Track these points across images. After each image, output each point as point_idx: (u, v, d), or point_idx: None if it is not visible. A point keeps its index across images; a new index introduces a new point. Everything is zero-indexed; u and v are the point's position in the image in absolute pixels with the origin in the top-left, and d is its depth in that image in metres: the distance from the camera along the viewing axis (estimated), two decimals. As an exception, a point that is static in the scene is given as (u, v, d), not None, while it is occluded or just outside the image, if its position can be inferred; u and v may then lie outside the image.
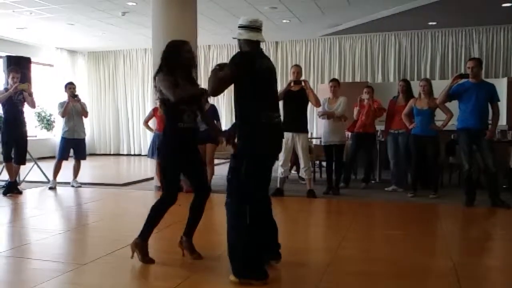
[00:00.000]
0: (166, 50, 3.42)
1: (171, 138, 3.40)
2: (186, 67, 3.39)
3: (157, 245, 4.08)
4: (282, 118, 6.13)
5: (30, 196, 6.64)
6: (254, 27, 3.15)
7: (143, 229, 3.43)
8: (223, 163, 8.17)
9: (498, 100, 5.65)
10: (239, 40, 3.21)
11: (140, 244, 3.39)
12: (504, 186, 6.47)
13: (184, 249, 3.51)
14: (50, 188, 7.03)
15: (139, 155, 13.02)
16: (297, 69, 6.32)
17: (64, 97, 7.24)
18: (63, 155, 7.17)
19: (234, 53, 3.28)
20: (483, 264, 3.65)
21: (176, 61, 3.34)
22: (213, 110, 6.64)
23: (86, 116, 7.46)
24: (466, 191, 5.70)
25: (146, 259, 3.37)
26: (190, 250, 3.49)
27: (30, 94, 6.69)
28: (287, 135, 6.18)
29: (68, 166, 7.34)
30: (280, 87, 10.83)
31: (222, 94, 3.45)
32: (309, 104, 6.33)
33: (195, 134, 3.49)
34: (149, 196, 6.70)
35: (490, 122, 5.69)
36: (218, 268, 3.34)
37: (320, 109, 6.63)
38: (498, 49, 10.08)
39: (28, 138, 6.87)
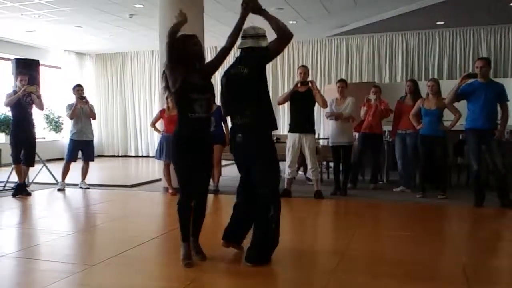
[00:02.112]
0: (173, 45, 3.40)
1: (181, 130, 3.35)
2: (194, 60, 3.36)
3: (165, 246, 4.11)
4: (290, 120, 6.23)
5: (39, 198, 6.69)
6: (242, 36, 3.53)
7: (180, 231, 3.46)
8: (230, 164, 8.18)
9: (507, 100, 5.61)
10: None
11: (182, 245, 3.41)
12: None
13: (191, 249, 3.48)
14: (59, 190, 7.07)
15: (147, 156, 13.07)
16: (304, 69, 6.31)
17: (72, 99, 7.29)
18: (71, 157, 7.22)
19: (238, 55, 3.58)
20: (493, 265, 3.62)
21: (183, 54, 3.31)
22: (220, 111, 6.65)
23: (94, 118, 7.50)
24: (475, 191, 5.66)
25: (184, 262, 3.35)
26: (196, 250, 3.48)
27: (39, 96, 6.75)
28: (294, 136, 6.19)
29: (76, 167, 7.38)
30: (287, 88, 10.86)
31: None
32: (316, 105, 6.32)
33: (209, 125, 3.44)
34: (157, 198, 6.72)
35: (499, 122, 5.64)
36: (226, 269, 3.35)
37: (327, 109, 6.62)
38: (507, 49, 10.01)
39: (37, 140, 6.91)
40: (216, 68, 3.51)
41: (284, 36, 3.53)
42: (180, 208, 3.37)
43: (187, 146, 3.32)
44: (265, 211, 3.36)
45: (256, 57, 3.45)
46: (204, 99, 3.30)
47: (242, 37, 3.49)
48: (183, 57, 3.32)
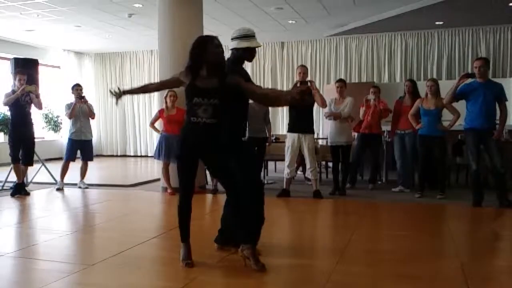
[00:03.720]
0: (193, 46, 3.30)
1: (184, 133, 3.31)
2: (213, 62, 3.24)
3: (164, 246, 4.11)
4: (289, 119, 6.24)
5: (37, 197, 6.68)
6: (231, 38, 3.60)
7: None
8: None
9: (506, 100, 5.61)
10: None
11: (181, 246, 3.38)
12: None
13: (247, 257, 3.27)
14: (58, 189, 7.07)
15: (146, 156, 13.07)
16: (303, 69, 6.30)
17: (71, 98, 7.28)
18: (70, 156, 7.21)
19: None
20: (491, 265, 3.62)
21: (203, 57, 3.22)
22: None
23: (93, 118, 7.49)
24: (474, 191, 5.67)
25: (184, 262, 3.32)
26: (253, 258, 3.24)
27: (37, 96, 6.73)
28: (293, 136, 6.19)
29: (75, 167, 7.38)
30: (286, 88, 10.83)
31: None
32: (315, 105, 6.32)
33: (214, 131, 3.22)
34: (156, 197, 6.72)
35: (497, 122, 5.65)
36: (225, 268, 3.34)
37: (326, 109, 6.62)
38: (506, 49, 10.02)
39: (36, 140, 6.90)
40: (239, 88, 3.28)
41: (264, 101, 3.73)
42: (178, 207, 3.36)
43: (188, 149, 3.28)
44: None
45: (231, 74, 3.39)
46: (209, 104, 3.16)
47: (231, 39, 3.55)
48: (199, 60, 3.22)
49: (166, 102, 6.58)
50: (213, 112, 3.18)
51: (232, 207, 3.45)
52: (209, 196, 6.50)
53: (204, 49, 3.22)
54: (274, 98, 3.39)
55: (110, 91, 3.35)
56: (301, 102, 3.24)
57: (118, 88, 3.37)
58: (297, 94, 3.05)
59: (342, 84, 6.73)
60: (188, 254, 3.36)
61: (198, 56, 3.23)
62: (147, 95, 13.08)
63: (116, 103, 3.41)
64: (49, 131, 12.16)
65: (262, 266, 3.21)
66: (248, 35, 3.52)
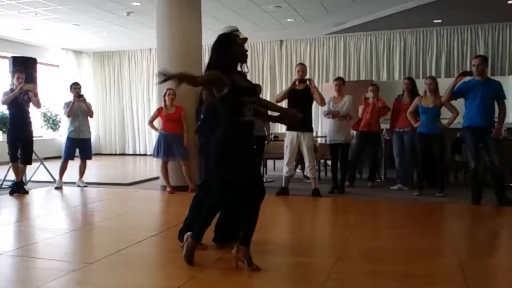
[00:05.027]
0: (219, 43, 3.23)
1: (230, 135, 3.16)
2: (238, 60, 3.23)
3: (163, 245, 4.10)
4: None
5: (36, 196, 6.67)
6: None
7: (196, 228, 3.32)
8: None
9: (504, 98, 5.61)
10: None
11: (190, 241, 3.31)
12: (511, 184, 6.42)
13: (240, 259, 3.20)
14: (56, 188, 7.06)
15: (145, 154, 13.06)
16: (302, 67, 6.31)
17: (70, 97, 7.28)
18: (69, 155, 7.20)
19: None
20: (490, 263, 3.63)
21: (228, 54, 3.18)
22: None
23: (91, 116, 7.48)
24: (472, 189, 5.67)
25: (187, 259, 3.29)
26: (247, 260, 3.19)
27: (36, 95, 6.73)
28: (292, 134, 6.19)
29: (74, 166, 7.37)
30: (285, 86, 10.84)
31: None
32: (314, 103, 6.32)
33: (253, 128, 3.27)
34: (154, 196, 6.72)
35: (496, 120, 5.65)
36: (223, 267, 3.34)
37: (325, 108, 6.62)
38: (504, 47, 10.03)
39: (34, 138, 6.90)
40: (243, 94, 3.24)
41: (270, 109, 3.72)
42: (211, 209, 3.31)
43: (235, 150, 3.15)
44: None
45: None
46: (251, 102, 3.17)
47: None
48: (228, 57, 3.17)
49: (164, 101, 6.58)
50: (254, 110, 3.22)
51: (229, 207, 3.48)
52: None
53: (231, 46, 3.19)
54: (276, 110, 3.61)
55: (160, 73, 2.80)
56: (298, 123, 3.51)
57: (160, 72, 2.84)
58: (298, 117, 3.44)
59: (340, 82, 6.71)
60: (192, 252, 3.32)
61: (227, 54, 3.17)
62: (145, 93, 13.08)
63: (176, 86, 2.93)
64: (48, 130, 12.14)
65: (256, 268, 3.18)
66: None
